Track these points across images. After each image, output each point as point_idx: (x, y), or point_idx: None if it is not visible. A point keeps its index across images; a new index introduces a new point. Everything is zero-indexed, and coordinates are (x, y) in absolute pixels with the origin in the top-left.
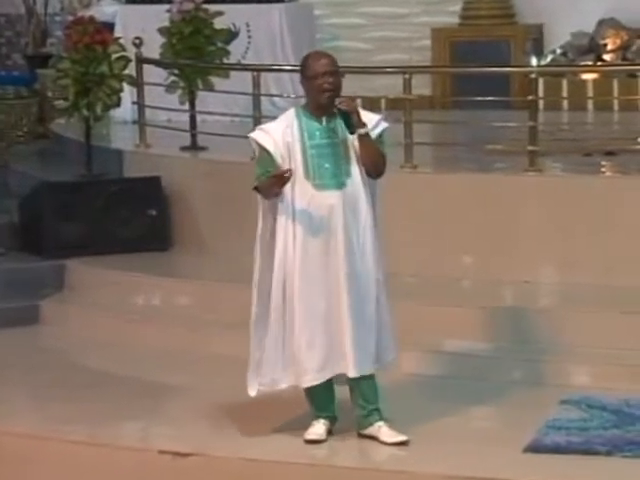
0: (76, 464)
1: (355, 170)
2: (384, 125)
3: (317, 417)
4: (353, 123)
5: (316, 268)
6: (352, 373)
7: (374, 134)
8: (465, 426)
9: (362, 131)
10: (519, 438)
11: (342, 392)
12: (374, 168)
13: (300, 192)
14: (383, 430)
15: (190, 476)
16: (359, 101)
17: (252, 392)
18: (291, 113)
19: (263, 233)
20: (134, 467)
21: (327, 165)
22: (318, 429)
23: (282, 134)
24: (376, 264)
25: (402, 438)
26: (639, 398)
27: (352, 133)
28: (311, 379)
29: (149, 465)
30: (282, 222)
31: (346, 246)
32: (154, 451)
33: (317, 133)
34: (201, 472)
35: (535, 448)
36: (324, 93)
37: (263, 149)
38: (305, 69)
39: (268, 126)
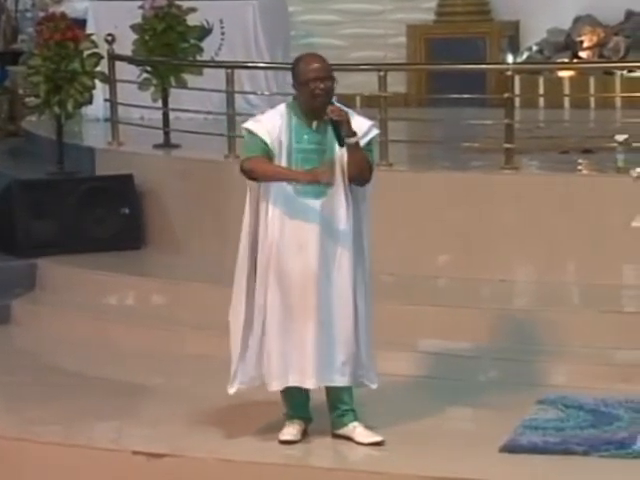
0: (50, 465)
1: (339, 179)
2: (374, 132)
3: (291, 417)
4: (342, 133)
5: (289, 275)
6: (309, 384)
7: (363, 142)
8: (441, 426)
9: (351, 141)
10: (495, 438)
11: (318, 392)
12: (359, 177)
13: (280, 195)
14: (358, 430)
15: (165, 477)
16: (351, 111)
17: (231, 390)
18: (282, 109)
19: (247, 231)
20: (108, 468)
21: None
22: (292, 429)
23: (278, 128)
24: (354, 277)
25: (377, 438)
26: (616, 397)
27: (341, 145)
28: (276, 385)
29: (124, 466)
30: (262, 223)
31: (319, 257)
32: (128, 452)
33: (305, 137)
34: (176, 473)
35: (511, 448)
36: (315, 98)
37: (257, 138)
38: (296, 73)
39: (263, 117)
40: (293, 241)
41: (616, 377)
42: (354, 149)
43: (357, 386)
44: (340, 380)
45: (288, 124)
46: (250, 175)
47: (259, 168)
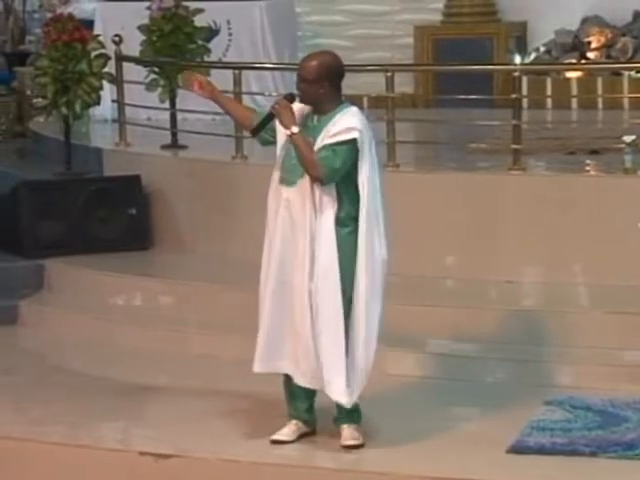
0: (56, 465)
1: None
2: (346, 136)
3: (290, 417)
4: (266, 124)
5: (270, 263)
6: (255, 367)
7: (327, 142)
8: (448, 427)
9: (287, 132)
10: (502, 439)
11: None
12: (305, 170)
13: (272, 183)
14: (343, 433)
15: (172, 478)
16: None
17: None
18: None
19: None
20: (116, 469)
21: (294, 162)
22: (287, 429)
23: (303, 112)
24: (310, 275)
25: (354, 442)
26: (623, 398)
27: (253, 135)
28: (256, 367)
29: (131, 466)
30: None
31: (281, 248)
32: (135, 452)
33: (306, 129)
34: (183, 474)
35: (519, 449)
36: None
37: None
38: None
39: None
40: (277, 226)
41: (624, 378)
42: (294, 143)
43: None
44: (300, 379)
45: (305, 116)
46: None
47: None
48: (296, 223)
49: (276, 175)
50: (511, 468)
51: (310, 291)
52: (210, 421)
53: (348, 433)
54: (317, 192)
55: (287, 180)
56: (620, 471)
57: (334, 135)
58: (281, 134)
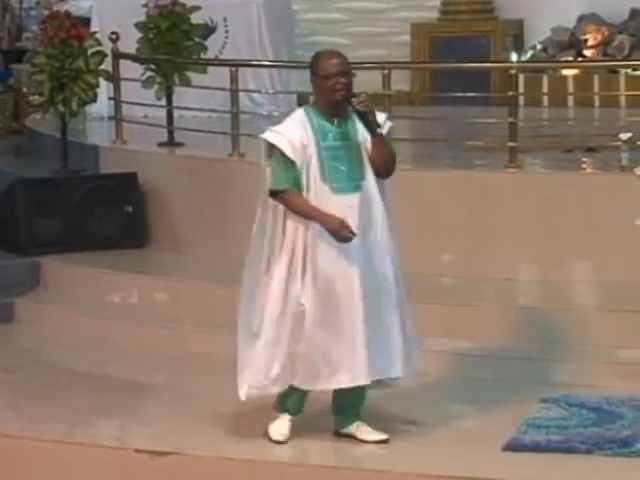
0: (52, 463)
1: (369, 172)
2: (389, 124)
3: (284, 412)
4: (370, 124)
5: (331, 272)
6: (362, 379)
7: (385, 131)
8: (444, 424)
9: (380, 131)
10: (498, 436)
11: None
12: (385, 168)
13: (317, 195)
14: (362, 428)
15: (168, 475)
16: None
17: (242, 396)
18: (300, 114)
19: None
20: (111, 466)
21: (343, 168)
22: (283, 429)
23: (299, 137)
24: (395, 268)
25: (382, 436)
26: (618, 396)
27: (374, 135)
28: (319, 383)
29: (127, 464)
30: (292, 227)
31: (364, 250)
32: (131, 450)
33: (330, 135)
34: (179, 471)
35: (514, 447)
36: (336, 93)
37: (279, 152)
38: (316, 68)
39: (282, 128)
40: (333, 241)
41: (619, 375)
42: (379, 141)
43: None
44: (394, 372)
45: (311, 126)
46: (285, 206)
47: (293, 208)
48: (371, 223)
49: (324, 190)
50: (507, 465)
51: (396, 279)
52: (206, 419)
53: (368, 428)
54: (378, 186)
55: (346, 188)
56: (615, 468)
57: (382, 126)
58: (310, 147)
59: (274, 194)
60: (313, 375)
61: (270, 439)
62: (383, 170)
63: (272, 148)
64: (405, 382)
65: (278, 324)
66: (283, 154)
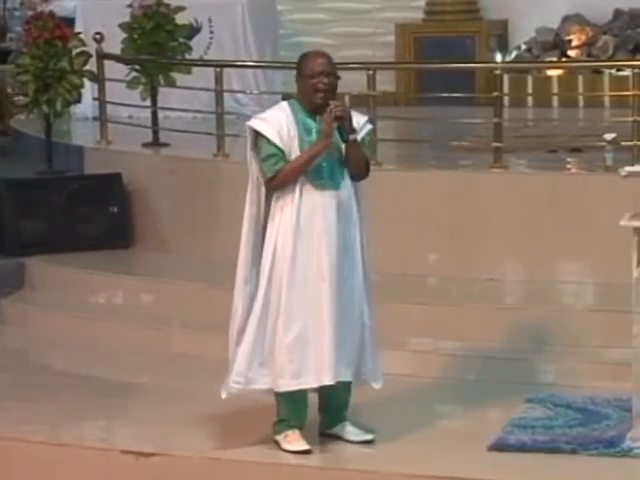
0: (37, 464)
1: (346, 171)
2: (368, 127)
3: (293, 427)
4: (345, 130)
5: (304, 268)
6: (327, 379)
7: (359, 137)
8: (430, 425)
9: (352, 137)
10: (484, 437)
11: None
12: (357, 174)
13: (298, 189)
14: (348, 429)
15: (154, 476)
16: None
17: (223, 394)
18: (285, 106)
19: (251, 228)
20: (97, 467)
21: (324, 164)
22: (300, 439)
23: (286, 125)
24: (364, 264)
25: (368, 437)
26: (604, 396)
27: (345, 141)
28: (286, 384)
29: (112, 465)
30: (275, 221)
31: (337, 247)
32: (117, 451)
33: (313, 130)
34: (165, 472)
35: (500, 447)
36: (317, 93)
37: (266, 139)
38: (301, 67)
39: (269, 115)
40: (313, 233)
41: (605, 376)
42: (353, 146)
43: (359, 385)
44: (345, 373)
45: (295, 119)
46: (285, 185)
47: (288, 175)
48: (349, 219)
49: (304, 184)
50: (492, 465)
51: (366, 278)
52: (192, 420)
53: (354, 429)
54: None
55: (332, 185)
56: (601, 468)
57: (360, 131)
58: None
59: (270, 181)
60: (279, 375)
61: (295, 452)
62: (355, 174)
63: (258, 135)
64: (378, 381)
65: (259, 325)
66: (269, 141)
